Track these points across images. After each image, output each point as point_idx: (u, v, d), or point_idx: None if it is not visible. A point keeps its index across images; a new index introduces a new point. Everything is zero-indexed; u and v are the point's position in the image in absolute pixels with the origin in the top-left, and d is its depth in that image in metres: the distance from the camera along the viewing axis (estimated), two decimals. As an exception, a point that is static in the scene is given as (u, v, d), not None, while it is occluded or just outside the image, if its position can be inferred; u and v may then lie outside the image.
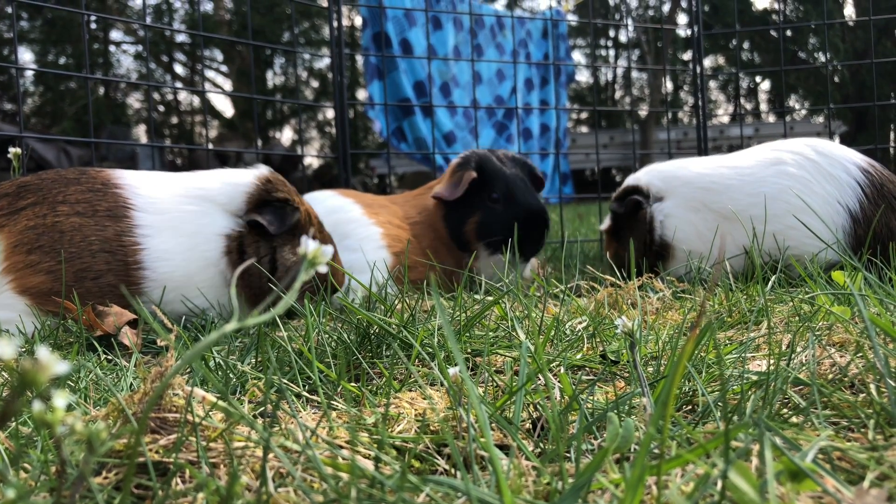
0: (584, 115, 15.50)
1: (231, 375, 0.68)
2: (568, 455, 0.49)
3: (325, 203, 1.51)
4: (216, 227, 1.18)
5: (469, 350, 0.73)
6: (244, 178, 1.22)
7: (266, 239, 1.19)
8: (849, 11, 15.74)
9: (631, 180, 1.57)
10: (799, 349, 0.67)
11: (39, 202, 1.11)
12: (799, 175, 1.32)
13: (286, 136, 16.37)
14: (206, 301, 1.17)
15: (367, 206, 1.52)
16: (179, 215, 1.16)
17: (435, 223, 1.53)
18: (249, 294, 1.20)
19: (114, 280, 1.10)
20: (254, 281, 1.18)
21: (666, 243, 1.44)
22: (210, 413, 0.51)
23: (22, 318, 1.06)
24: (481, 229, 1.49)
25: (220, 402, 0.52)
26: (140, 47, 14.18)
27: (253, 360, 0.77)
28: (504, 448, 0.51)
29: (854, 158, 1.36)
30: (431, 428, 0.53)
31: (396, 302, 0.88)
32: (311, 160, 12.00)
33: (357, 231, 1.43)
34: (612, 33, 16.74)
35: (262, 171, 1.26)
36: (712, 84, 16.02)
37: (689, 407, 0.59)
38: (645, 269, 1.43)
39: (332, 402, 0.60)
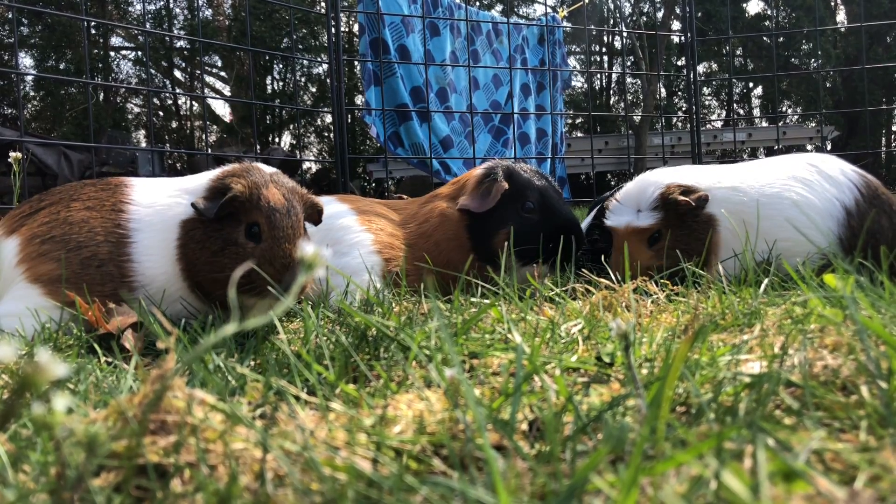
0: (578, 121, 15.57)
1: (230, 378, 0.68)
2: (563, 456, 0.49)
3: (325, 209, 1.54)
4: (180, 217, 1.14)
5: (466, 352, 0.74)
6: (213, 172, 1.20)
7: (202, 225, 1.11)
8: (840, 18, 15.91)
9: (669, 180, 1.48)
10: (791, 351, 0.68)
11: (56, 202, 1.20)
12: (805, 177, 1.48)
13: (285, 140, 16.44)
14: (192, 306, 1.16)
15: (361, 213, 1.53)
16: (161, 209, 1.19)
17: (458, 234, 1.49)
18: (191, 276, 1.13)
19: (114, 269, 1.14)
20: (199, 267, 1.11)
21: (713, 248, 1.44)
22: (209, 415, 0.51)
23: (22, 320, 1.07)
24: (515, 240, 1.45)
25: (220, 404, 0.52)
26: (140, 53, 14.21)
27: (252, 363, 0.77)
28: (500, 449, 0.52)
29: (853, 167, 1.53)
30: (429, 429, 0.54)
31: (394, 305, 0.89)
32: (310, 164, 12.05)
33: (347, 237, 1.44)
34: (606, 39, 16.87)
35: (234, 165, 1.21)
36: (706, 90, 16.13)
37: (683, 408, 0.60)
38: (639, 272, 1.43)
39: (331, 403, 0.60)
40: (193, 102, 13.61)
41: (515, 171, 1.54)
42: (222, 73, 14.68)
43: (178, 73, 15.29)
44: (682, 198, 1.44)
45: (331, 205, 1.56)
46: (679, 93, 15.28)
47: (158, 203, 1.19)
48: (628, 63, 13.25)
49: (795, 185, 1.46)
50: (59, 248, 1.12)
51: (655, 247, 1.47)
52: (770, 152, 10.75)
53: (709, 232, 1.43)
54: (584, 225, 1.86)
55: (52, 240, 1.13)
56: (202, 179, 1.21)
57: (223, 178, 1.16)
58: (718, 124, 12.33)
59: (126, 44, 14.79)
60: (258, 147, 9.89)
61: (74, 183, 1.26)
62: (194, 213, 1.12)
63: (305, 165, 10.66)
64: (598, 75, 15.81)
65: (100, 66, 13.50)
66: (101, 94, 13.63)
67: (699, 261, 1.40)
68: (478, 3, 13.88)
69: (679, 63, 14.43)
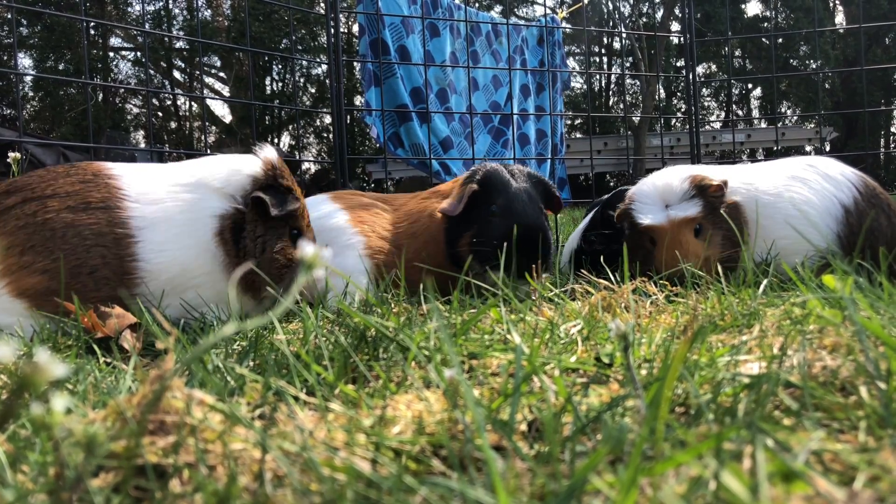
0: (577, 122, 15.59)
1: (229, 378, 0.68)
2: (563, 457, 0.49)
3: (316, 208, 1.52)
4: (209, 209, 1.17)
5: (465, 353, 0.74)
6: (243, 166, 1.23)
7: (263, 220, 1.20)
8: (839, 19, 15.95)
9: (686, 173, 1.46)
10: (790, 352, 0.68)
11: (28, 199, 1.08)
12: (804, 177, 1.51)
13: (284, 141, 16.44)
14: (204, 293, 1.17)
15: (354, 213, 1.50)
16: (174, 205, 1.15)
17: (437, 236, 1.47)
18: (245, 282, 1.20)
19: (109, 273, 1.09)
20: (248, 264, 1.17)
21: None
22: (208, 415, 0.51)
23: (20, 321, 1.06)
24: (474, 242, 1.41)
25: (219, 405, 0.52)
26: (139, 53, 14.21)
27: (251, 363, 0.77)
28: (500, 449, 0.52)
29: (852, 169, 1.56)
30: (428, 430, 0.54)
31: (393, 306, 0.89)
32: (309, 165, 12.06)
33: (339, 238, 1.43)
34: (605, 40, 16.89)
35: (270, 156, 1.26)
36: (705, 91, 16.16)
37: (682, 409, 0.60)
38: (638, 272, 1.43)
39: (330, 404, 0.60)
40: (192, 103, 13.63)
41: (495, 173, 1.48)
42: (221, 74, 14.68)
43: (177, 74, 15.28)
44: (714, 182, 1.42)
45: (324, 204, 1.53)
46: (678, 94, 15.31)
47: (166, 198, 1.14)
48: (627, 64, 13.27)
49: (795, 185, 1.48)
50: (42, 258, 1.04)
51: (701, 236, 1.44)
52: (769, 153, 10.78)
53: (737, 217, 1.43)
54: (580, 228, 1.85)
55: (32, 249, 1.05)
56: (221, 170, 1.20)
57: (274, 175, 1.24)
58: (717, 125, 12.35)
59: (125, 44, 14.80)
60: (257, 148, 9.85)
61: (41, 172, 1.13)
62: (244, 205, 1.20)
63: (304, 166, 10.66)
64: (598, 76, 15.83)
65: (99, 66, 13.49)
66: (101, 95, 13.61)
67: (736, 251, 1.39)
68: (477, 4, 13.88)
69: (678, 64, 14.45)
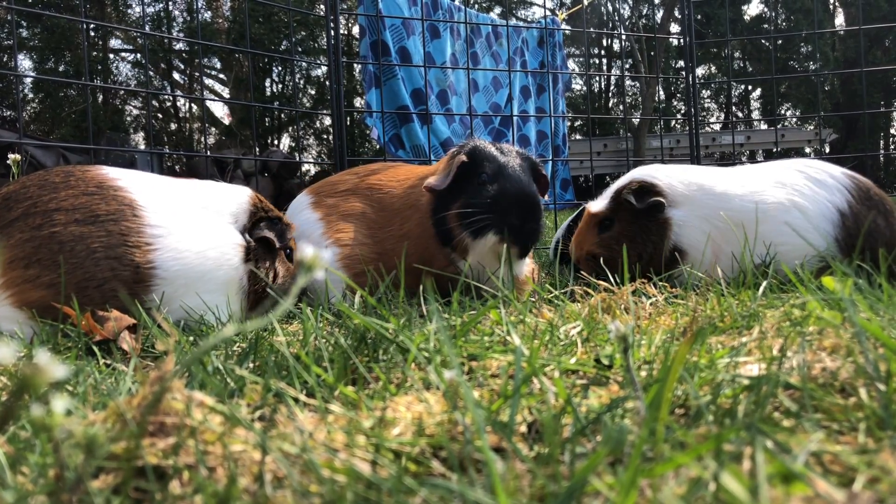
0: (577, 123, 15.62)
1: (229, 379, 0.68)
2: (562, 458, 0.49)
3: (296, 217, 1.54)
4: (233, 237, 1.28)
5: (465, 354, 0.74)
6: (242, 198, 1.35)
7: (269, 251, 1.34)
8: (839, 21, 15.99)
9: (643, 176, 1.49)
10: (790, 353, 0.68)
11: (31, 214, 1.07)
12: (792, 181, 1.49)
13: (284, 142, 16.45)
14: (212, 299, 1.21)
15: (330, 223, 1.48)
16: (193, 220, 1.21)
17: (425, 220, 1.40)
18: (253, 299, 1.32)
19: (118, 285, 1.08)
20: (257, 288, 1.32)
21: (681, 250, 1.44)
22: (208, 417, 0.51)
23: (20, 322, 1.06)
24: (464, 211, 1.32)
25: (219, 406, 0.52)
26: (139, 55, 14.24)
27: (251, 365, 0.77)
28: (499, 451, 0.52)
29: (841, 169, 1.55)
30: (428, 431, 0.54)
31: (392, 307, 0.89)
32: (309, 167, 12.08)
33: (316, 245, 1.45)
34: (605, 42, 16.91)
35: (249, 191, 1.39)
36: (704, 92, 16.18)
37: (682, 410, 0.60)
38: (638, 274, 1.43)
39: (329, 405, 0.60)
40: (192, 104, 13.65)
41: (482, 146, 1.40)
42: (221, 76, 14.69)
43: (176, 76, 15.30)
44: (629, 197, 1.47)
45: (304, 213, 1.53)
46: (678, 95, 15.32)
47: (181, 212, 1.19)
48: (627, 65, 13.28)
49: (784, 191, 1.46)
50: (48, 272, 1.03)
51: (603, 235, 1.51)
52: (769, 155, 10.78)
53: (663, 235, 1.44)
54: (567, 221, 1.91)
55: (38, 263, 1.03)
56: (237, 206, 1.32)
57: (261, 208, 1.38)
58: (717, 127, 12.37)
59: (125, 46, 14.82)
60: (257, 149, 9.91)
61: (37, 182, 1.10)
62: (252, 240, 1.33)
63: (305, 167, 10.66)
64: (597, 78, 15.87)
65: (99, 68, 13.50)
66: (101, 96, 13.62)
67: (645, 262, 1.44)
68: (476, 6, 13.90)
69: (678, 65, 14.45)
